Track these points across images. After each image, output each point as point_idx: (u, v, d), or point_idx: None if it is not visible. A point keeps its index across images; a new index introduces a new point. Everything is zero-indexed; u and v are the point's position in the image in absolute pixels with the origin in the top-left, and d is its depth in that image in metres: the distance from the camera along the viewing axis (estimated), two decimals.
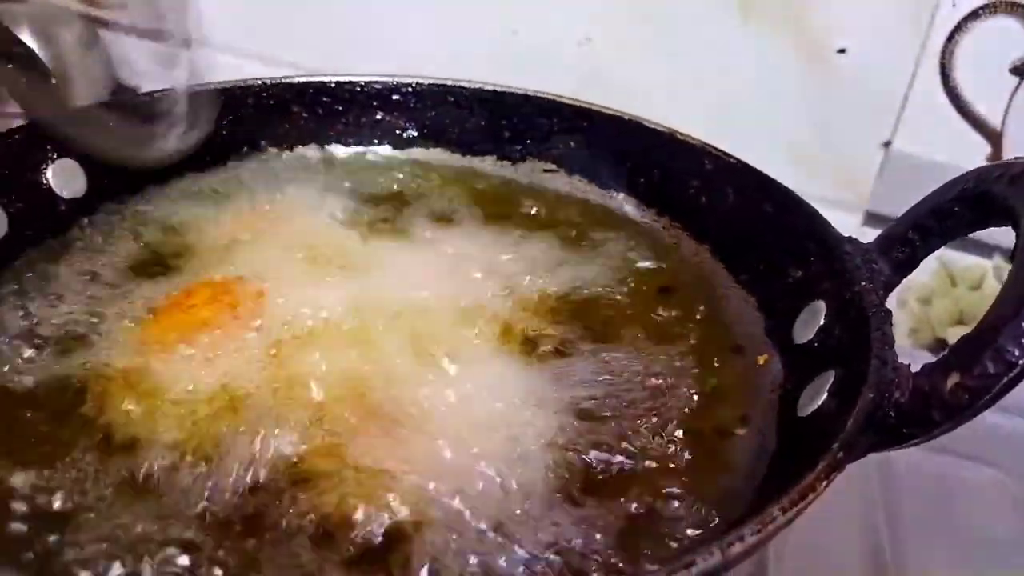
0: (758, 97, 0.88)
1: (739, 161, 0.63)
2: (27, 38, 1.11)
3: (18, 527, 0.39)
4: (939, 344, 0.93)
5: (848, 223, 0.91)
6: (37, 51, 1.12)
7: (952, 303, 0.91)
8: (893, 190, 0.87)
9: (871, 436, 0.39)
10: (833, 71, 0.83)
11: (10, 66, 0.60)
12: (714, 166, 0.64)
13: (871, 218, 0.90)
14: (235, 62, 1.11)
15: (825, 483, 0.35)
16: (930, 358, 0.88)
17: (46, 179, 0.60)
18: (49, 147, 0.60)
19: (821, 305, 0.51)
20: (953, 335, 0.91)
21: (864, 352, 0.43)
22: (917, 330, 0.94)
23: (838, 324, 0.49)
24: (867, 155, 0.87)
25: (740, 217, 0.62)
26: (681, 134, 0.67)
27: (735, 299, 0.59)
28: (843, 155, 0.89)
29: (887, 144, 0.85)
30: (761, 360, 0.53)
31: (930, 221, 0.50)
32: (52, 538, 0.39)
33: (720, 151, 0.65)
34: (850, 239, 0.53)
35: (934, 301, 0.92)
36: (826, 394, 0.45)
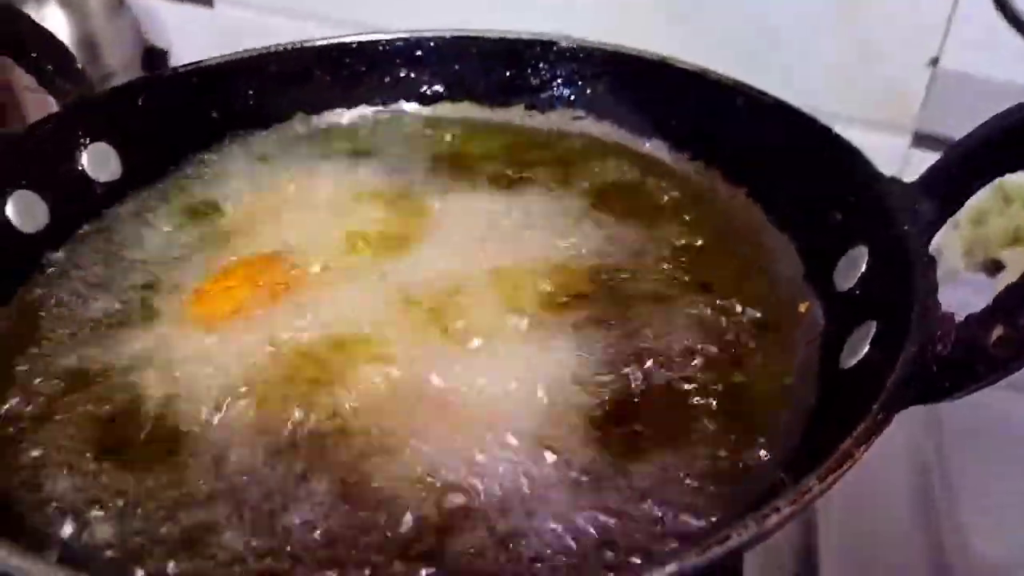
0: (796, 17, 0.84)
1: (775, 99, 0.61)
2: (55, 8, 1.12)
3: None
4: (994, 265, 0.90)
5: (896, 145, 0.88)
6: (65, 20, 1.13)
7: (1007, 222, 0.88)
8: (942, 109, 0.84)
9: (912, 391, 0.38)
10: None
11: (35, 55, 0.60)
12: (748, 105, 0.62)
13: (920, 139, 0.87)
14: (260, 19, 1.10)
15: (864, 447, 0.35)
16: (984, 280, 0.85)
17: (81, 165, 0.61)
18: (81, 132, 0.61)
19: (863, 250, 0.50)
20: (1008, 257, 0.88)
21: (907, 302, 0.42)
22: (971, 251, 0.91)
23: (880, 271, 0.48)
24: (913, 74, 0.84)
25: (777, 158, 0.60)
26: (713, 73, 0.65)
27: (774, 244, 0.58)
28: (888, 75, 0.85)
29: (934, 61, 0.81)
30: (802, 308, 0.52)
31: (979, 156, 0.47)
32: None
33: (754, 89, 0.62)
34: (893, 179, 0.51)
35: (988, 220, 0.89)
36: (868, 346, 0.44)
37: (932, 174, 0.50)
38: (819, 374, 0.47)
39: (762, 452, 0.43)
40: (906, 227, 0.47)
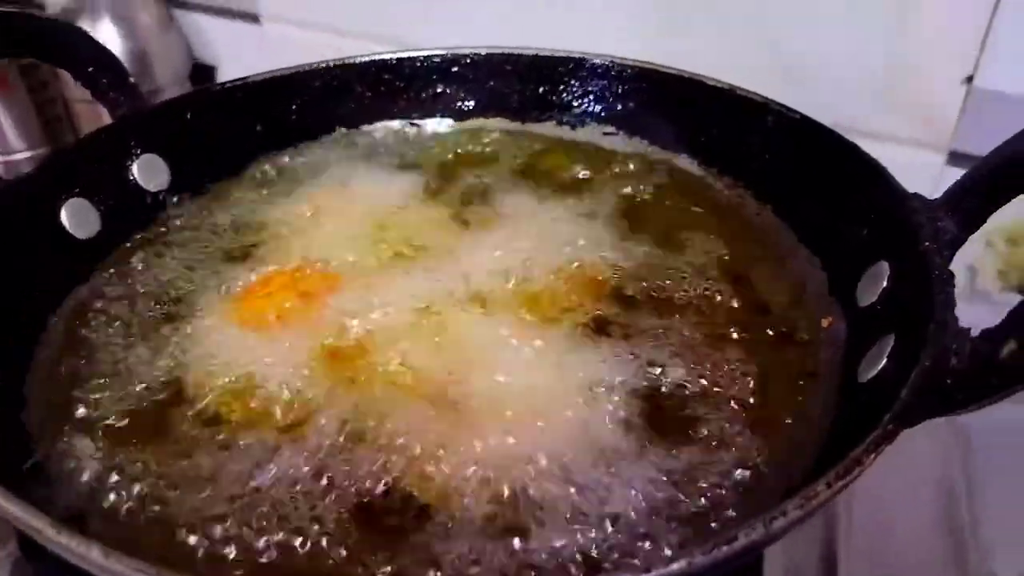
0: (829, 32, 0.84)
1: (802, 116, 0.62)
2: (108, 25, 1.17)
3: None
4: None
5: (931, 163, 0.88)
6: (118, 35, 1.17)
7: None
8: (978, 128, 0.83)
9: (927, 402, 0.39)
10: (909, 1, 0.80)
11: (91, 69, 0.63)
12: (776, 122, 0.63)
13: (955, 157, 0.86)
14: (305, 35, 1.13)
15: (873, 456, 0.35)
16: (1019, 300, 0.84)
17: (132, 175, 0.64)
18: (132, 143, 0.64)
19: (885, 266, 0.51)
20: None
21: (925, 316, 0.43)
22: (1006, 272, 0.90)
23: (901, 286, 0.49)
24: (948, 92, 0.83)
25: (803, 173, 0.61)
26: (742, 90, 0.66)
27: (799, 259, 0.59)
28: (923, 92, 0.85)
29: (969, 79, 0.81)
30: (825, 323, 0.53)
31: (1002, 174, 0.48)
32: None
33: (782, 106, 0.63)
34: (916, 195, 0.52)
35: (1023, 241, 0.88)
36: (886, 359, 0.45)
37: (955, 191, 0.50)
38: (839, 386, 0.48)
39: (779, 459, 0.44)
40: (928, 243, 0.48)
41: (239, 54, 1.23)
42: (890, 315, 0.48)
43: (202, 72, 1.26)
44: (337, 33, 1.10)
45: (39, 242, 0.57)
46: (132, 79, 0.66)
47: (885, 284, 0.50)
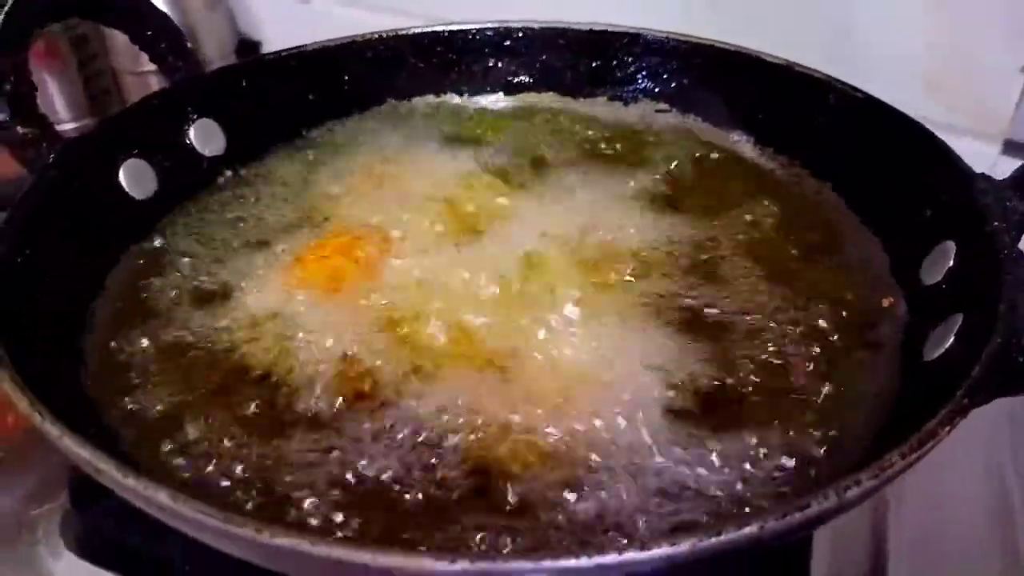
0: (885, 20, 0.83)
1: (864, 94, 0.61)
2: None
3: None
4: None
5: (986, 153, 0.86)
6: (167, 10, 1.18)
7: None
8: None
9: (998, 381, 0.38)
10: None
11: (149, 32, 0.64)
12: (837, 100, 0.62)
13: (1011, 147, 0.85)
14: (352, 13, 1.13)
15: (948, 429, 0.35)
16: None
17: (189, 139, 0.64)
18: (189, 108, 0.65)
19: (951, 245, 0.50)
20: None
21: (994, 295, 0.42)
22: None
23: (968, 265, 0.48)
24: (1006, 81, 0.82)
25: (865, 153, 0.60)
26: (801, 66, 0.65)
27: (859, 239, 0.58)
28: (979, 81, 0.83)
29: None
30: (886, 302, 0.52)
31: None
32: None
33: (844, 83, 0.62)
34: (983, 175, 0.51)
35: None
36: (953, 338, 0.44)
37: (1022, 173, 0.49)
38: (902, 365, 0.47)
39: (844, 434, 0.43)
40: (996, 223, 0.47)
41: (284, 30, 1.23)
42: (957, 294, 0.47)
43: (247, 47, 1.27)
44: (382, 11, 1.10)
45: (97, 201, 0.57)
46: (190, 46, 0.66)
47: (951, 264, 0.49)
